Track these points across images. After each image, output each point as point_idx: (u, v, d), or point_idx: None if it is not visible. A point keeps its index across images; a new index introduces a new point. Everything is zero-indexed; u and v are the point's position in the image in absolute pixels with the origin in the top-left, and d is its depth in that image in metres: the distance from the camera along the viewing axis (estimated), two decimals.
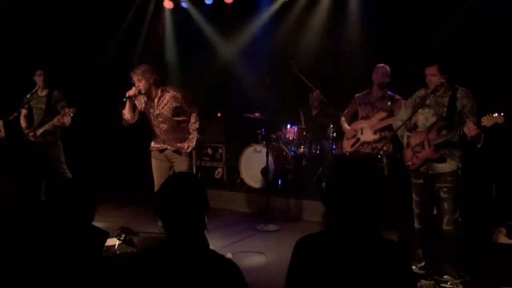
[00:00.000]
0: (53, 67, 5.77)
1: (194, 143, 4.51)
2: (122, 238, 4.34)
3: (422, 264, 3.95)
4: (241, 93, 7.52)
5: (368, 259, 1.70)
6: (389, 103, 4.92)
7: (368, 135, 4.99)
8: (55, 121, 5.36)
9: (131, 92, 4.29)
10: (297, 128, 6.82)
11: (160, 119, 4.48)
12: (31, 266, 2.02)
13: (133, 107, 4.41)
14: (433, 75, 3.72)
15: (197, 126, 4.54)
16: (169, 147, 4.55)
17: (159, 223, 4.11)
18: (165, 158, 4.60)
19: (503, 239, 4.59)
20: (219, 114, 7.65)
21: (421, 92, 3.94)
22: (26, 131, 5.55)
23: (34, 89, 5.55)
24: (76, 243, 2.14)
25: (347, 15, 7.09)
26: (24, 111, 5.62)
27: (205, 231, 2.00)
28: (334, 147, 6.34)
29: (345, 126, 5.24)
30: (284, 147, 6.81)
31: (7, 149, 5.28)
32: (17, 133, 5.60)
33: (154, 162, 4.63)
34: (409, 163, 3.90)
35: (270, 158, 6.13)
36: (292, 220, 5.86)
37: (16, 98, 5.65)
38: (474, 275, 3.73)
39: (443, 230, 3.74)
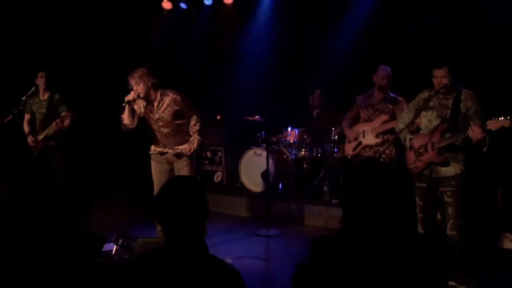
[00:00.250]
0: (53, 69, 5.72)
1: (196, 145, 4.47)
2: (119, 243, 4.26)
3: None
4: (241, 95, 7.46)
5: (386, 265, 1.65)
6: (390, 106, 4.87)
7: (370, 139, 4.93)
8: (53, 125, 5.30)
9: (130, 97, 4.23)
10: (298, 131, 6.77)
11: (161, 123, 4.43)
12: (25, 272, 1.98)
13: (132, 112, 4.36)
14: (443, 77, 3.67)
15: (198, 128, 4.50)
16: (170, 151, 4.52)
17: (158, 228, 4.06)
18: (166, 161, 4.56)
19: (509, 244, 4.53)
20: (218, 117, 7.60)
21: (425, 94, 3.89)
22: (28, 137, 5.49)
23: (30, 91, 5.48)
24: (71, 249, 2.09)
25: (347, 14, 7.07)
26: (27, 116, 5.58)
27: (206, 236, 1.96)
28: (336, 150, 6.29)
29: (346, 129, 5.19)
30: (284, 150, 6.76)
31: (4, 153, 5.24)
32: (15, 136, 5.55)
33: (154, 165, 4.59)
34: (412, 166, 3.84)
35: (270, 161, 6.07)
36: (293, 225, 5.80)
37: (12, 100, 5.59)
38: (479, 281, 3.67)
39: (447, 235, 3.69)
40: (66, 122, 5.25)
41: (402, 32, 6.09)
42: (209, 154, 7.45)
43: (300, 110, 7.08)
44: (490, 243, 4.60)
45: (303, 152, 6.74)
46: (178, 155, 4.50)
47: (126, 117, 4.31)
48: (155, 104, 4.37)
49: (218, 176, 7.41)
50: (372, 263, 1.65)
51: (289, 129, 6.81)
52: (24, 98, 5.48)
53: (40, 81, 5.48)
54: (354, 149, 5.06)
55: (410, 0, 6.17)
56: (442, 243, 3.77)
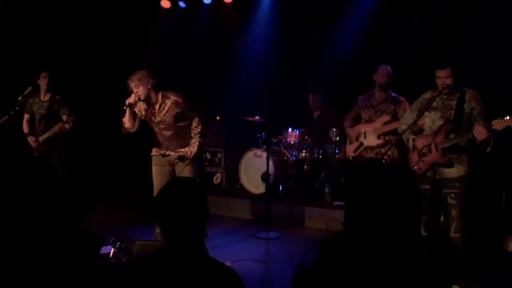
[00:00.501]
0: (53, 69, 5.68)
1: (196, 148, 4.44)
2: (117, 246, 4.22)
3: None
4: (241, 96, 7.42)
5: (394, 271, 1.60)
6: (392, 106, 4.83)
7: (371, 140, 4.89)
8: (56, 128, 5.32)
9: (131, 100, 4.21)
10: (298, 132, 6.72)
11: (162, 126, 4.40)
12: (24, 272, 1.94)
13: (133, 115, 4.34)
14: (446, 78, 3.63)
15: (199, 130, 4.47)
16: (172, 153, 4.49)
17: (157, 230, 4.02)
18: (168, 163, 4.54)
19: None
20: (218, 118, 7.56)
21: (428, 94, 3.86)
22: (28, 137, 5.46)
23: (27, 91, 5.43)
24: (69, 250, 2.06)
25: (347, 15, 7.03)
26: (27, 116, 5.56)
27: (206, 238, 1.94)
28: (337, 151, 6.25)
29: (348, 128, 5.15)
30: (285, 151, 6.71)
31: (3, 153, 5.20)
32: (15, 136, 5.51)
33: (155, 168, 4.56)
34: (415, 167, 3.80)
35: (270, 162, 6.02)
36: (294, 227, 5.75)
37: (8, 101, 5.54)
38: (483, 284, 3.63)
39: (451, 238, 3.65)
40: (68, 125, 5.28)
41: (402, 32, 6.07)
42: (208, 155, 7.41)
43: (300, 110, 7.04)
44: (494, 245, 4.55)
45: (303, 153, 6.69)
46: (181, 158, 4.48)
47: (127, 121, 4.29)
48: (156, 107, 4.34)
49: (217, 178, 7.36)
50: (375, 266, 1.61)
51: (290, 130, 6.77)
52: (20, 98, 5.42)
53: (43, 82, 5.45)
54: (355, 150, 5.01)
55: (410, 0, 6.14)
56: (445, 246, 3.73)
